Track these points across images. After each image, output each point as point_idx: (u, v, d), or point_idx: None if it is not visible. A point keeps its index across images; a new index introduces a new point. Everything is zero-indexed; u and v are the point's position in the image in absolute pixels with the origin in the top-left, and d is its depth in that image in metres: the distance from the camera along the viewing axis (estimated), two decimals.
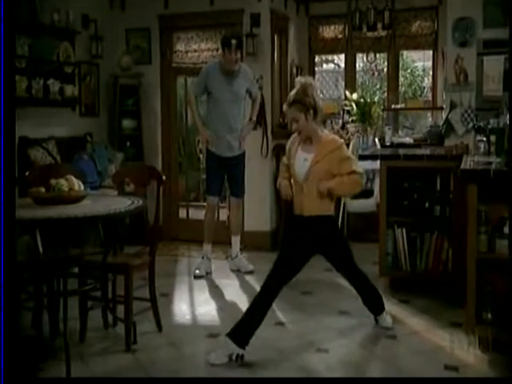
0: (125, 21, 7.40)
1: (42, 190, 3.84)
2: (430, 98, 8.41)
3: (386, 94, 8.41)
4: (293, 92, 3.98)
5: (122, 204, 3.89)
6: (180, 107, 7.93)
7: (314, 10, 8.20)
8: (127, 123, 7.35)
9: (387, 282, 5.33)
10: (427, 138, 7.24)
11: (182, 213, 7.64)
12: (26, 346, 3.86)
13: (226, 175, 6.05)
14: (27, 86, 5.89)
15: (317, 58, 8.81)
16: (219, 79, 5.79)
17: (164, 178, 4.45)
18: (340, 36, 8.15)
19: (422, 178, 5.16)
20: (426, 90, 10.89)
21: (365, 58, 8.71)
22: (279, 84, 7.39)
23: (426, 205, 5.13)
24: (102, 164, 6.74)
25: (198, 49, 7.36)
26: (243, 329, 3.84)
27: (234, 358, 3.76)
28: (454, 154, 5.19)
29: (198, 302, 5.16)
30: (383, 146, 7.21)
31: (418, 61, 11.49)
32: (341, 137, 7.60)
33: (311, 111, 3.90)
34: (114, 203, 3.93)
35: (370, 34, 7.88)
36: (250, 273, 5.86)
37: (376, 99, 8.17)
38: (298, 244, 4.01)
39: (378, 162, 5.33)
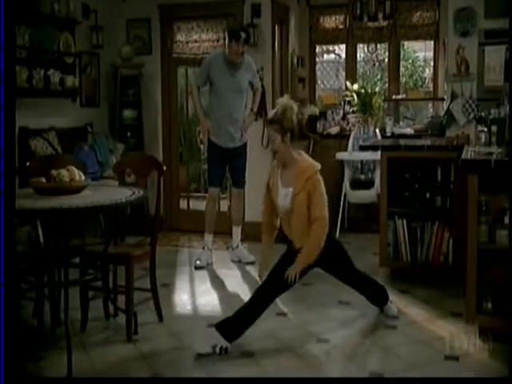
0: (125, 11, 7.37)
1: (43, 180, 3.84)
2: (431, 89, 8.40)
3: (386, 85, 8.40)
4: (273, 111, 3.96)
5: (122, 194, 3.89)
6: (181, 98, 7.92)
7: (314, 0, 8.17)
8: (128, 114, 7.34)
9: (388, 272, 5.35)
10: (428, 128, 7.23)
11: (183, 203, 7.64)
12: (27, 335, 3.89)
13: (228, 166, 6.05)
14: (28, 77, 5.88)
15: (317, 49, 8.78)
16: (222, 70, 5.77)
17: (165, 168, 4.46)
18: (341, 26, 8.13)
19: (422, 168, 5.16)
20: (427, 81, 10.85)
21: (366, 49, 8.67)
22: (280, 75, 7.37)
23: (427, 195, 5.13)
24: (103, 154, 6.73)
25: (198, 39, 7.33)
26: (234, 325, 3.85)
27: (217, 349, 3.76)
28: (454, 145, 5.20)
29: (198, 293, 5.17)
30: (384, 136, 7.20)
31: (419, 51, 11.45)
32: (342, 128, 7.69)
33: (288, 134, 3.84)
34: (114, 194, 3.93)
35: (370, 24, 7.85)
36: (251, 263, 5.87)
37: (377, 90, 8.15)
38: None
39: (379, 152, 5.33)
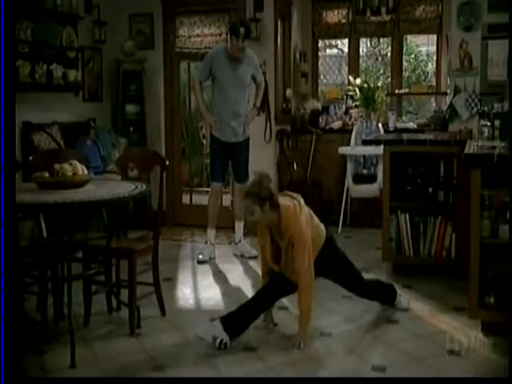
0: (128, 6, 7.36)
1: (46, 174, 3.84)
2: (434, 83, 8.36)
3: (389, 79, 8.37)
4: (249, 183, 3.97)
5: (125, 189, 3.89)
6: (183, 92, 7.92)
7: None
8: (130, 108, 7.34)
9: (390, 267, 5.35)
10: (431, 123, 7.21)
11: (186, 198, 7.66)
12: (30, 329, 3.90)
13: (230, 161, 6.05)
14: (30, 71, 5.88)
15: (320, 43, 8.75)
16: (224, 64, 5.77)
17: (167, 163, 4.46)
18: (343, 20, 8.10)
19: (425, 163, 5.15)
20: (429, 75, 10.83)
21: (368, 43, 8.65)
22: (282, 69, 7.36)
23: (430, 190, 5.13)
24: (106, 149, 6.74)
25: (201, 34, 7.33)
26: (238, 321, 3.86)
27: (217, 342, 3.75)
28: (457, 139, 5.19)
29: (201, 287, 5.18)
30: (387, 131, 7.19)
31: (422, 45, 11.42)
32: (344, 122, 7.67)
33: (267, 203, 3.77)
34: (117, 188, 3.93)
35: (373, 18, 7.81)
36: (254, 258, 5.86)
37: (379, 84, 8.14)
38: None
39: (382, 147, 5.32)
